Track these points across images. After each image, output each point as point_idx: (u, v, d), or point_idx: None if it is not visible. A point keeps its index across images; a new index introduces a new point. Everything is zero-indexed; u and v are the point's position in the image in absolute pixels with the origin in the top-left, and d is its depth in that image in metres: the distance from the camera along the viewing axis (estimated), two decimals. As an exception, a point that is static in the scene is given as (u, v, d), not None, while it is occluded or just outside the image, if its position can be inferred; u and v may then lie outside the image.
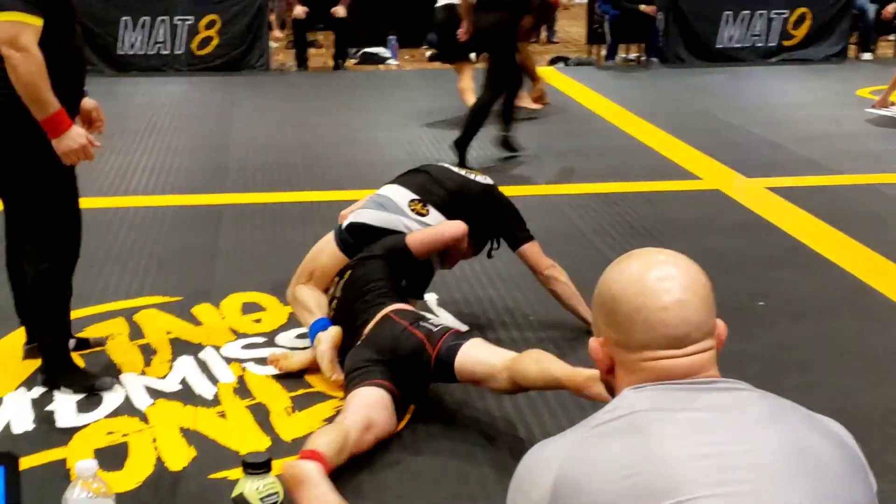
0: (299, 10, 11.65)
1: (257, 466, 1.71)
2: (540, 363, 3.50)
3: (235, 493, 1.72)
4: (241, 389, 4.18)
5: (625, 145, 8.33)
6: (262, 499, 1.69)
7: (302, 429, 3.79)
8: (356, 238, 4.47)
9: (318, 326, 4.28)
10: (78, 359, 4.31)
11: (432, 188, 4.61)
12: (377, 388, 3.73)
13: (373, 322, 4.03)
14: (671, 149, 8.13)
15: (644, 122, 9.10)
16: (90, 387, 4.11)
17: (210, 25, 11.40)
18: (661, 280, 1.63)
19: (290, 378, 4.24)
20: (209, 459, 3.64)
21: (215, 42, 11.48)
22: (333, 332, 4.18)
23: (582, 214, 6.43)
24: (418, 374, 3.81)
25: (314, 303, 4.41)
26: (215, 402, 4.08)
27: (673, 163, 7.73)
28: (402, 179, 4.70)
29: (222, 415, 3.99)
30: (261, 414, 3.98)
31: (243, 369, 4.35)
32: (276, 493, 1.72)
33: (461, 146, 7.51)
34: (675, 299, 1.62)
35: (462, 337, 3.79)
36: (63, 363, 4.16)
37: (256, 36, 11.62)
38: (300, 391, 4.14)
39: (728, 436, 1.55)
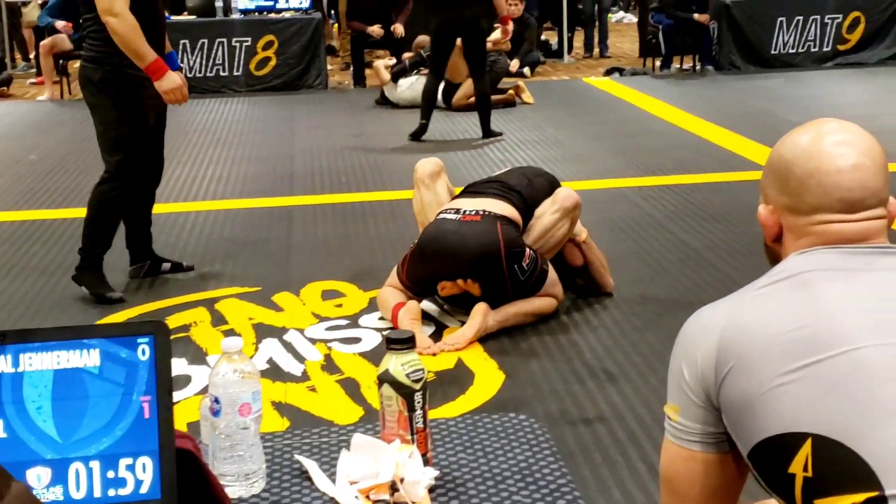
0: (375, 28, 11.72)
1: (402, 342, 1.70)
2: None
3: (381, 370, 1.70)
4: (329, 366, 4.19)
5: (690, 143, 8.29)
6: (407, 375, 1.67)
7: (393, 399, 3.78)
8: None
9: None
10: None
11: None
12: None
13: None
14: (737, 144, 8.08)
15: (706, 122, 9.06)
16: (101, 296, 4.85)
17: (268, 46, 11.50)
18: (838, 145, 1.61)
19: (377, 355, 4.23)
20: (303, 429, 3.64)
21: (273, 62, 11.57)
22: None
23: (654, 204, 6.40)
24: None
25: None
26: (304, 377, 4.09)
27: (740, 156, 7.68)
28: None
29: (312, 389, 3.99)
30: (351, 387, 3.98)
31: (329, 348, 4.36)
32: (422, 369, 1.70)
33: None
34: (850, 163, 1.60)
35: None
36: (94, 269, 4.91)
37: (314, 56, 11.70)
38: (388, 365, 4.13)
39: None
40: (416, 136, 8.63)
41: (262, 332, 4.54)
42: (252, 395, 1.66)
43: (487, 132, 8.64)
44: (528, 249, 4.43)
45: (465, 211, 4.48)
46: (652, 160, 7.64)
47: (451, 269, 4.39)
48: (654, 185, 6.86)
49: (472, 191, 4.73)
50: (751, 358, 1.51)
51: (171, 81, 4.63)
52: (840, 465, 1.43)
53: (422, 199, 4.81)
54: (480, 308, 4.35)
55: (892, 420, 1.43)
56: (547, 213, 4.60)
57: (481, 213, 4.44)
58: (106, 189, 4.84)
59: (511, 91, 10.37)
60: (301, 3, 11.80)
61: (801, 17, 12.28)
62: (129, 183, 4.85)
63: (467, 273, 4.37)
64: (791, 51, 12.35)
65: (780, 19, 12.25)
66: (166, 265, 5.27)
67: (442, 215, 4.53)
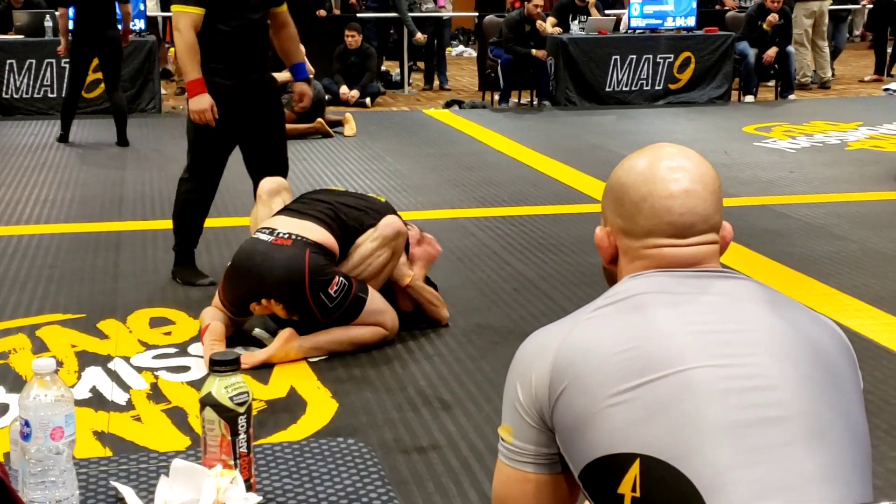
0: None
1: (225, 364, 1.62)
2: None
3: (203, 392, 1.62)
4: (156, 395, 4.05)
5: (526, 176, 8.37)
6: (231, 398, 1.59)
7: (223, 428, 3.67)
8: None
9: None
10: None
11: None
12: None
13: None
14: (571, 178, 8.21)
15: (542, 155, 9.18)
16: (191, 283, 5.37)
17: (98, 68, 11.15)
18: (672, 170, 1.64)
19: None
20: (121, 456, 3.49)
21: (104, 85, 11.23)
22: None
23: (491, 234, 6.43)
24: None
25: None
26: (129, 406, 3.95)
27: (575, 190, 7.80)
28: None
29: (137, 418, 3.85)
30: (178, 416, 3.85)
31: (156, 377, 4.22)
32: (246, 392, 1.62)
33: None
34: (682, 189, 1.63)
35: None
36: (184, 262, 5.48)
37: (147, 79, 11.44)
38: (218, 393, 4.01)
39: (726, 316, 1.57)
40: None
41: (86, 359, 4.37)
42: (65, 419, 1.57)
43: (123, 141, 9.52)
44: (337, 277, 4.36)
45: (278, 233, 4.42)
46: (489, 192, 7.70)
47: (256, 289, 4.37)
48: (491, 217, 6.90)
49: (294, 209, 4.62)
50: (584, 378, 1.51)
51: (198, 103, 5.05)
52: (667, 485, 1.44)
53: (256, 214, 4.84)
54: (283, 334, 4.37)
55: (717, 441, 1.44)
56: (367, 240, 4.53)
57: (293, 237, 4.38)
58: (182, 189, 5.43)
59: (318, 122, 10.06)
60: (135, 24, 11.52)
61: (634, 56, 12.63)
62: (201, 182, 5.35)
63: (270, 294, 4.35)
64: (625, 88, 12.67)
65: (614, 58, 12.57)
66: None
67: (257, 234, 4.51)
